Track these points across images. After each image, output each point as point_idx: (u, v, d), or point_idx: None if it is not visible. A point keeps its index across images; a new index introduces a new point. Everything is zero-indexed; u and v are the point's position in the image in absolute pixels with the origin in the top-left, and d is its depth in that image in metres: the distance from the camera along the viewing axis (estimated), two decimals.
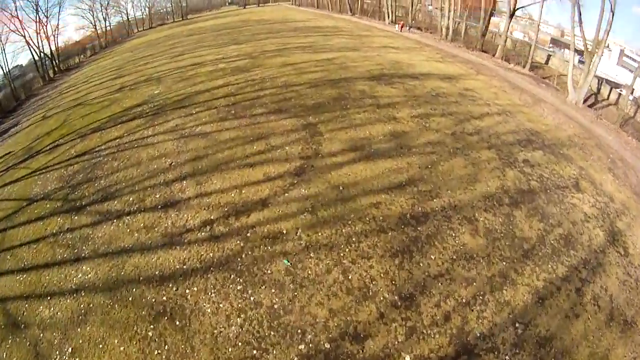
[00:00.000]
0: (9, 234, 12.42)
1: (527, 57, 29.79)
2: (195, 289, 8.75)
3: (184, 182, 12.20)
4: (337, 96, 17.52)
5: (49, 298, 9.48)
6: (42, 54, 45.37)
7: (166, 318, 8.32)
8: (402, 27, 40.67)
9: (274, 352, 7.52)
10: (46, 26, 46.50)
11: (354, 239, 9.66)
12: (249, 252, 9.41)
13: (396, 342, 7.68)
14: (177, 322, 8.20)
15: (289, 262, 9.08)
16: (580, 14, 24.00)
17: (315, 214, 10.40)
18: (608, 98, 25.57)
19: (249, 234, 9.92)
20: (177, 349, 7.74)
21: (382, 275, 8.84)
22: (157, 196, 11.79)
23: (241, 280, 8.77)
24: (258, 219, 10.34)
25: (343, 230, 9.90)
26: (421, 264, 9.18)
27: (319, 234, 9.81)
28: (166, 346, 7.81)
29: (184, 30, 49.27)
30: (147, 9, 70.45)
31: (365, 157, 12.77)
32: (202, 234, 10.14)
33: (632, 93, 23.63)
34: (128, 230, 10.75)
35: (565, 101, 24.25)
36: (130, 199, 11.98)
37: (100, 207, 12.04)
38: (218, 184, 11.85)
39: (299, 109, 16.26)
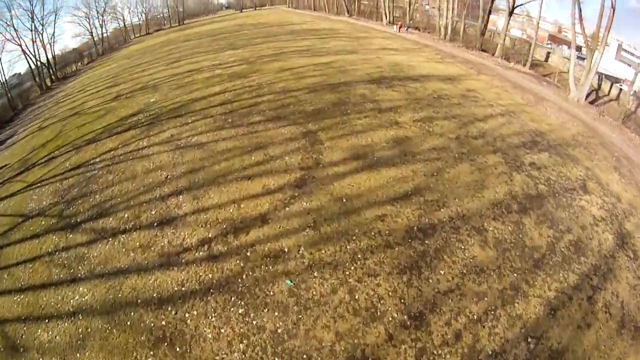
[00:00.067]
0: (5, 252, 12.14)
1: (527, 55, 29.50)
2: (195, 312, 8.37)
3: (180, 196, 11.82)
4: (336, 101, 17.13)
5: (46, 321, 9.22)
6: (38, 63, 45.10)
7: (166, 344, 7.96)
8: (400, 27, 40.36)
9: None
10: (42, 34, 46.39)
11: (359, 256, 9.25)
12: (250, 273, 9.01)
13: None
14: (178, 349, 7.83)
15: (292, 282, 8.68)
16: (580, 11, 23.73)
17: (318, 229, 9.98)
18: (609, 94, 25.31)
19: (249, 253, 9.51)
20: None
21: (390, 293, 8.45)
22: (153, 212, 11.41)
23: (242, 303, 8.38)
24: (258, 237, 9.93)
25: (348, 247, 9.48)
26: (430, 280, 8.80)
27: (323, 251, 9.39)
28: None
29: (181, 36, 49.05)
30: (143, 15, 70.36)
31: (368, 166, 12.37)
32: (200, 253, 9.74)
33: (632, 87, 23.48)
34: (124, 250, 10.38)
35: (567, 99, 23.99)
36: (126, 215, 11.61)
37: (95, 224, 11.69)
38: (215, 199, 11.46)
39: (298, 115, 15.87)
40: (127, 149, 15.43)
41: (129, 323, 8.56)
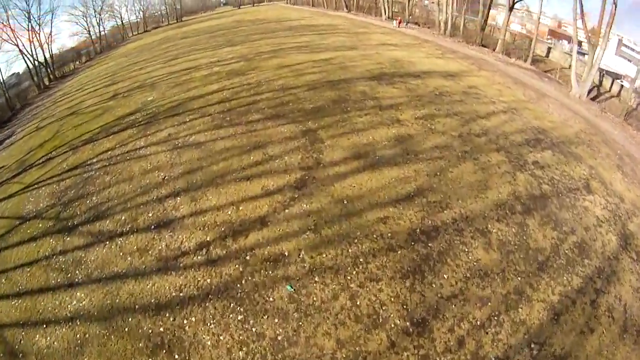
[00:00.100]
0: (3, 255, 12.00)
1: (528, 50, 29.20)
2: (194, 319, 8.21)
3: (178, 198, 11.61)
4: (336, 98, 16.84)
5: (44, 326, 9.10)
6: (36, 62, 44.74)
7: (164, 351, 7.82)
8: (399, 23, 39.97)
9: None
10: (39, 34, 45.95)
11: (361, 260, 9.04)
12: (249, 278, 8.82)
13: None
14: (176, 356, 7.69)
15: (292, 287, 8.49)
16: (582, 6, 23.47)
17: (319, 232, 9.77)
18: (610, 90, 25.06)
19: (248, 257, 9.31)
20: None
21: (392, 299, 8.27)
22: (150, 215, 11.21)
23: (242, 310, 8.20)
24: (257, 240, 9.72)
25: (349, 250, 9.27)
26: (433, 285, 8.61)
27: (324, 255, 9.19)
28: None
29: (179, 33, 48.63)
30: (141, 13, 69.82)
31: (370, 166, 12.13)
32: (198, 257, 9.54)
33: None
34: (121, 254, 10.20)
35: (569, 95, 23.77)
36: (123, 217, 11.41)
37: (92, 227, 11.49)
38: (213, 200, 11.24)
39: (298, 113, 15.60)
40: (125, 149, 15.21)
41: (126, 329, 8.42)
